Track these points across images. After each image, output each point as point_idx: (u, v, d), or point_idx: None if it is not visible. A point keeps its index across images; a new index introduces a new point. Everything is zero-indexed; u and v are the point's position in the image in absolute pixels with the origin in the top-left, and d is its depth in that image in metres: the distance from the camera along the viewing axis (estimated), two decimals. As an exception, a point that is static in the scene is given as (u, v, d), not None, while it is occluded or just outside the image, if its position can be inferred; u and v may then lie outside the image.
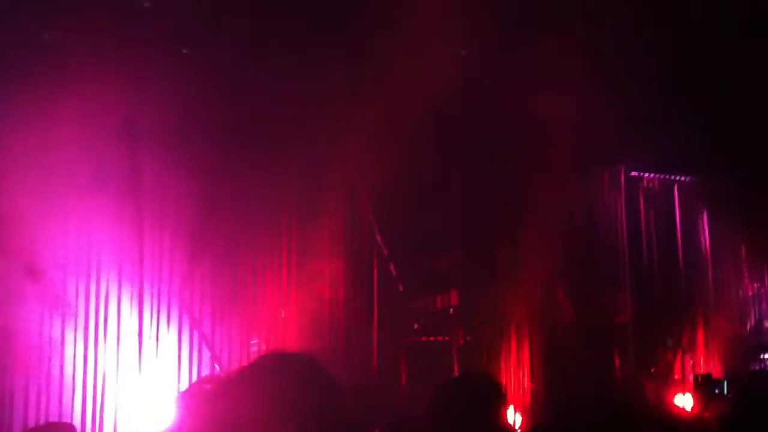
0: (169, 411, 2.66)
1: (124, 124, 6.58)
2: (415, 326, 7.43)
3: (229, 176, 6.94)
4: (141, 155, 6.65)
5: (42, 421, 6.04)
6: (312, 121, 7.09)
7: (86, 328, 6.49)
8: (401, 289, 7.62)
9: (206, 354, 6.90)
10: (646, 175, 9.19)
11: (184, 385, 6.50)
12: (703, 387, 7.51)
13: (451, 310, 7.56)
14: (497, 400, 3.02)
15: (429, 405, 2.97)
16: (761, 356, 8.54)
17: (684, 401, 7.79)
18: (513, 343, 7.77)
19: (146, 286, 6.73)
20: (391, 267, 7.63)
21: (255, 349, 7.10)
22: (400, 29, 6.50)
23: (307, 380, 2.21)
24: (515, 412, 7.31)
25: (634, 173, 9.08)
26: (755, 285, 9.22)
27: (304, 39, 6.82)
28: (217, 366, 6.91)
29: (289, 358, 2.36)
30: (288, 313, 7.24)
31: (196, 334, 6.89)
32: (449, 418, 2.92)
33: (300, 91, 7.00)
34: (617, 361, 8.26)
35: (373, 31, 6.66)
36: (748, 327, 9.03)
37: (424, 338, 7.34)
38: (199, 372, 6.80)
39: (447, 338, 7.40)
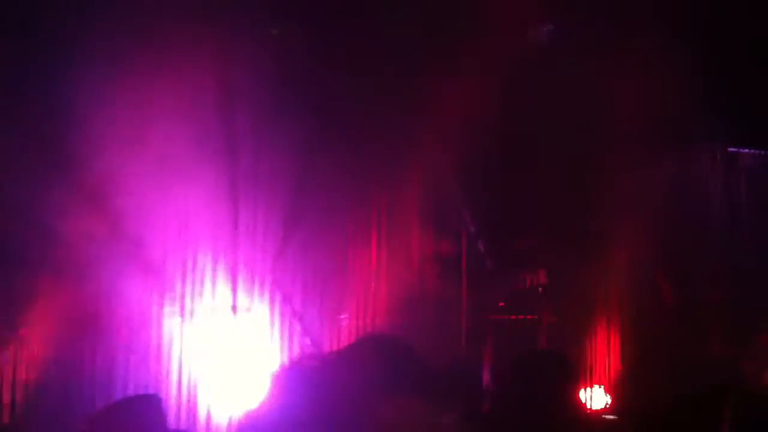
0: (264, 387, 2.73)
1: (222, 98, 6.72)
2: (502, 304, 7.43)
3: (322, 152, 7.03)
4: (237, 129, 6.80)
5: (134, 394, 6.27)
6: (405, 97, 7.11)
7: (182, 302, 6.72)
8: (489, 266, 7.63)
9: (297, 329, 7.07)
10: (744, 150, 8.90)
11: (276, 360, 6.69)
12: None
13: (540, 289, 7.53)
14: (566, 379, 3.01)
15: (500, 383, 2.99)
16: None
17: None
18: (603, 324, 7.69)
19: (240, 261, 6.93)
20: (479, 244, 7.64)
21: (344, 324, 7.23)
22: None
23: (403, 364, 2.28)
24: (605, 393, 7.26)
25: (731, 149, 8.80)
26: None
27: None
28: (307, 340, 7.07)
29: (387, 342, 2.44)
30: (377, 289, 7.34)
31: (287, 309, 7.06)
32: (517, 397, 2.93)
33: (394, 66, 7.02)
34: (713, 341, 8.09)
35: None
36: None
37: (511, 317, 7.33)
38: (290, 347, 6.98)
39: (534, 317, 7.38)
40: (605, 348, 7.67)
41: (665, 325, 7.71)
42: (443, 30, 6.90)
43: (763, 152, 8.96)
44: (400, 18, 6.82)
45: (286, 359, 6.75)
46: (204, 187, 6.70)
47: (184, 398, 6.63)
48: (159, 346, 6.61)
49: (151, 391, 6.03)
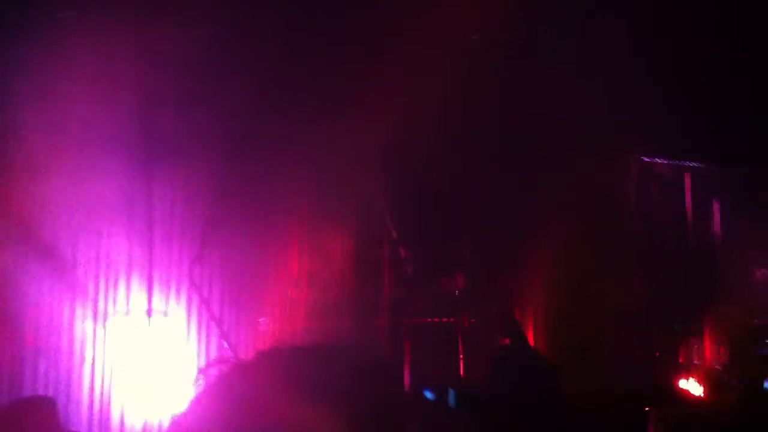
0: (185, 393, 2.70)
1: (139, 97, 6.63)
2: (422, 308, 7.50)
3: (243, 155, 6.99)
4: (156, 129, 6.72)
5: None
6: (328, 102, 7.11)
7: (95, 305, 6.60)
8: (409, 271, 7.69)
9: (215, 333, 7.00)
10: (658, 161, 9.17)
11: (193, 365, 6.61)
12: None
13: (457, 292, 7.62)
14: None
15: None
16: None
17: (688, 386, 7.82)
18: (520, 326, 7.80)
19: (156, 265, 6.83)
20: (400, 250, 7.70)
21: (263, 328, 7.19)
22: (410, 28, 6.54)
23: (324, 366, 2.31)
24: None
25: (646, 159, 9.06)
26: (764, 271, 9.19)
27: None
28: (225, 344, 7.01)
29: (309, 345, 2.48)
30: (297, 294, 7.32)
31: (205, 313, 6.99)
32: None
33: (317, 69, 7.02)
34: (628, 345, 8.28)
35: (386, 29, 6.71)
36: (756, 313, 9.01)
37: (428, 320, 7.40)
38: (207, 351, 6.91)
39: (452, 320, 7.46)
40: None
41: (583, 328, 7.87)
42: (366, 33, 6.94)
43: (676, 162, 9.26)
44: (325, 18, 6.85)
45: (204, 363, 6.68)
46: (120, 188, 6.60)
47: (96, 402, 6.50)
48: (71, 350, 6.46)
49: (59, 394, 5.91)
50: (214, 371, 2.95)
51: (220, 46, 6.72)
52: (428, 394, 6.13)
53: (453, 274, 7.70)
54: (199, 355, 6.83)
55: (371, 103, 6.85)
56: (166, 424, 6.28)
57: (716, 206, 9.26)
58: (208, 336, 6.98)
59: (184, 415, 2.68)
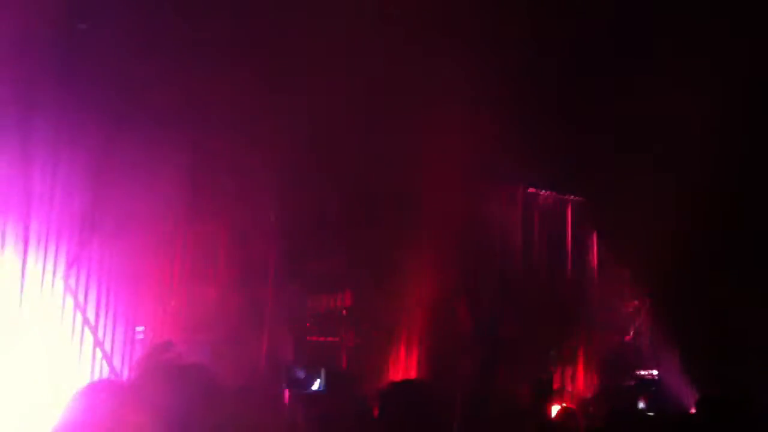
0: (60, 407, 2.59)
1: (17, 93, 6.30)
2: (308, 325, 7.40)
3: (123, 156, 6.71)
4: (34, 125, 6.39)
5: None
6: (217, 105, 6.96)
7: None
8: (296, 289, 7.59)
9: (90, 340, 6.66)
10: (542, 192, 9.47)
11: (66, 375, 6.25)
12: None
13: (344, 311, 7.57)
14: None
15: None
16: (636, 372, 8.91)
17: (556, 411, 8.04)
18: (402, 348, 7.84)
19: (29, 267, 6.45)
20: (287, 264, 7.59)
21: (140, 337, 6.91)
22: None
23: (199, 390, 2.36)
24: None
25: (531, 189, 9.33)
26: (635, 303, 9.61)
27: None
28: (99, 350, 6.68)
29: (185, 367, 2.58)
30: (177, 304, 7.09)
31: (79, 319, 6.64)
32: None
33: (202, 70, 6.85)
34: (501, 371, 8.44)
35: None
36: (625, 342, 9.40)
37: (315, 338, 7.31)
38: (81, 358, 6.55)
39: (338, 339, 7.40)
40: (404, 371, 7.82)
41: (457, 352, 7.98)
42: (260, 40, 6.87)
43: (559, 195, 9.60)
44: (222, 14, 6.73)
45: (79, 373, 6.36)
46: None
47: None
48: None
49: None
50: (93, 390, 2.82)
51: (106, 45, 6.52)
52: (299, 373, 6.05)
53: (341, 293, 7.65)
54: (74, 364, 6.45)
55: (266, 112, 6.78)
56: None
57: (594, 237, 9.65)
58: (82, 343, 6.62)
59: (66, 427, 2.56)
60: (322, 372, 6.42)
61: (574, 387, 8.66)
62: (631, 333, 9.43)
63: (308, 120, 7.08)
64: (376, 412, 3.07)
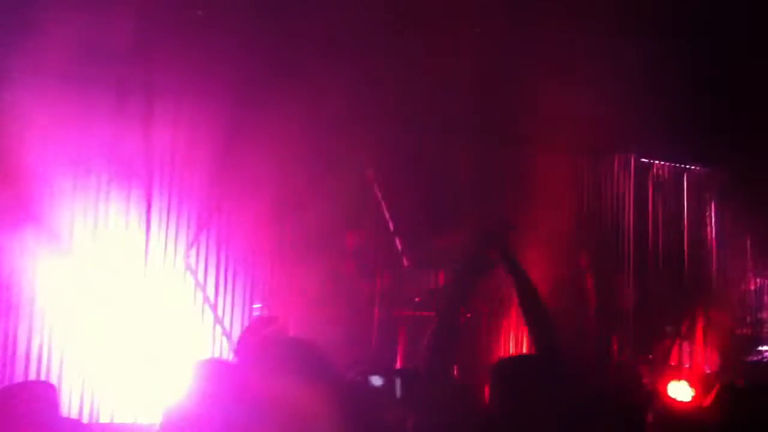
0: (186, 379, 2.70)
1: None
2: (417, 300, 7.44)
3: (242, 143, 6.92)
4: (153, 116, 6.67)
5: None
6: (326, 84, 7.04)
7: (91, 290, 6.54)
8: (406, 264, 7.64)
9: (210, 318, 6.96)
10: (656, 162, 9.18)
11: (188, 348, 6.57)
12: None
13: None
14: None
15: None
16: (758, 349, 8.58)
17: (678, 390, 7.83)
18: (513, 323, 7.81)
19: (151, 248, 6.78)
20: (397, 242, 7.65)
21: (258, 314, 7.15)
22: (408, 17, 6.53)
23: (315, 369, 2.37)
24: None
25: (644, 160, 9.07)
26: (757, 279, 9.23)
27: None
28: (219, 327, 6.96)
29: (301, 347, 2.54)
30: (293, 282, 7.26)
31: (200, 297, 6.94)
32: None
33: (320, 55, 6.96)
34: (616, 347, 8.30)
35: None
36: (747, 319, 9.05)
37: (422, 313, 7.33)
38: (202, 336, 6.86)
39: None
40: (514, 347, 7.80)
41: (574, 328, 7.87)
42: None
43: (674, 164, 9.29)
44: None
45: (201, 349, 6.67)
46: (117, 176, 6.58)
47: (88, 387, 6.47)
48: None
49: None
50: (215, 364, 2.95)
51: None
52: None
53: (451, 268, 7.66)
54: (195, 341, 6.77)
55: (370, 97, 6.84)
56: (173, 411, 6.22)
57: (713, 209, 9.30)
58: (204, 321, 6.93)
59: (189, 401, 2.68)
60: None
61: (691, 363, 8.41)
62: (754, 310, 9.07)
63: (443, 99, 7.11)
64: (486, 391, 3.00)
